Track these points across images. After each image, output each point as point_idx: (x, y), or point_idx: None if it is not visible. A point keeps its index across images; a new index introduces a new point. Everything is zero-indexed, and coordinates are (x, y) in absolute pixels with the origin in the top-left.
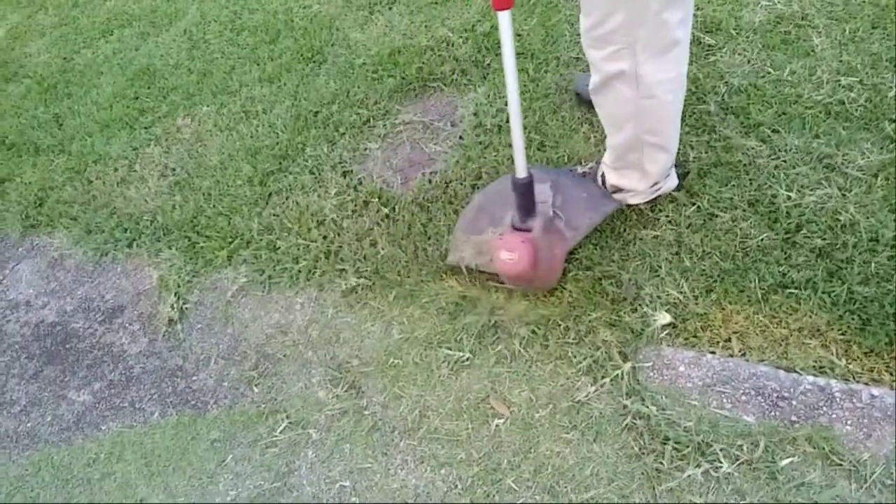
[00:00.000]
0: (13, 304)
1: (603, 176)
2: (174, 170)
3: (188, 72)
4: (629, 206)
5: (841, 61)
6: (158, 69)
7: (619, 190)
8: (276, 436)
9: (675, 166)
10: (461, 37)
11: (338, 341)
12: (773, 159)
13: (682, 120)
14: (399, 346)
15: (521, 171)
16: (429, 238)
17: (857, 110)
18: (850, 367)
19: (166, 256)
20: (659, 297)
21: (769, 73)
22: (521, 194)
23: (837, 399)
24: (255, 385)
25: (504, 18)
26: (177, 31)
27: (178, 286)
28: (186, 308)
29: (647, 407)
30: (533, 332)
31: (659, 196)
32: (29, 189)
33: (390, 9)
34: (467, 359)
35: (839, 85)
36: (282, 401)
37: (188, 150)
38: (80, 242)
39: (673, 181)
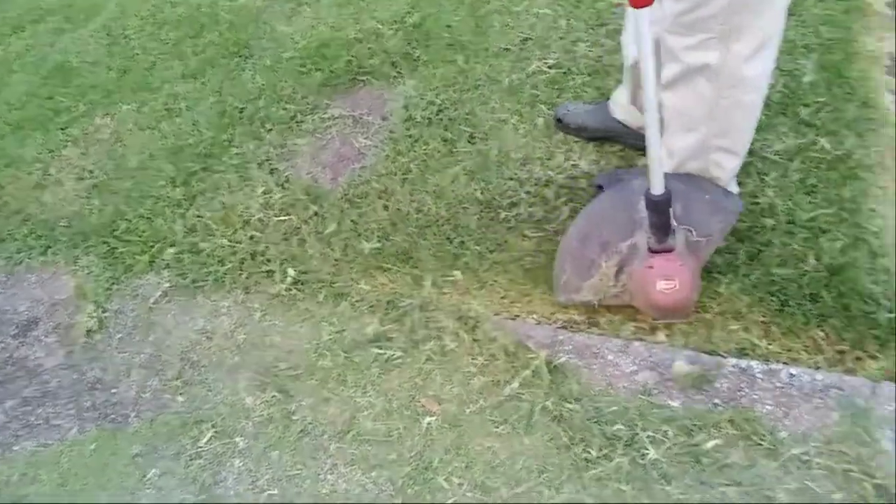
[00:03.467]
0: None
1: None
2: (92, 172)
3: (107, 69)
4: None
5: None
6: (75, 67)
7: None
8: (200, 446)
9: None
10: (391, 28)
11: (265, 345)
12: None
13: None
14: (328, 346)
15: (659, 187)
16: (359, 235)
17: (774, 96)
18: (770, 347)
19: (84, 263)
20: None
21: None
22: (657, 212)
23: (758, 380)
24: (180, 394)
25: (644, 17)
26: (94, 27)
27: (97, 294)
28: (106, 317)
29: (577, 397)
30: (464, 326)
31: None
32: None
33: (318, 0)
34: (398, 357)
35: None
36: (207, 409)
37: (107, 150)
38: None
39: (734, 188)
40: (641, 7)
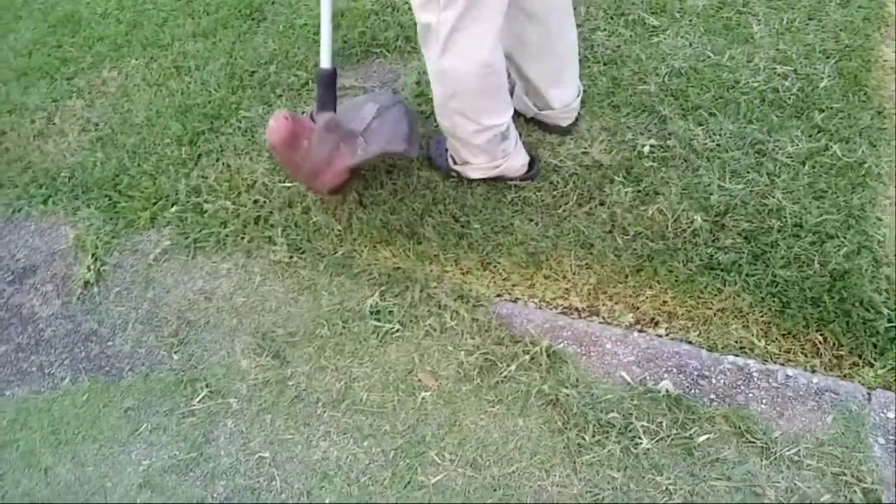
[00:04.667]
0: None
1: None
2: (97, 125)
3: (116, 22)
4: (513, 179)
5: (777, 50)
6: (84, 17)
7: (466, 162)
8: (194, 405)
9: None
10: (406, 2)
11: (264, 309)
12: (708, 142)
13: (624, 100)
14: (327, 316)
15: (325, 63)
16: (364, 207)
17: (789, 98)
18: (769, 348)
19: (84, 215)
20: (589, 276)
21: (709, 57)
22: (321, 86)
23: (755, 379)
24: (175, 352)
25: None
26: None
27: (96, 247)
28: (104, 270)
29: (573, 383)
30: (464, 305)
31: (503, 176)
32: None
33: None
34: (397, 330)
35: (774, 73)
36: (202, 369)
37: (113, 104)
38: None
39: (516, 161)
40: None
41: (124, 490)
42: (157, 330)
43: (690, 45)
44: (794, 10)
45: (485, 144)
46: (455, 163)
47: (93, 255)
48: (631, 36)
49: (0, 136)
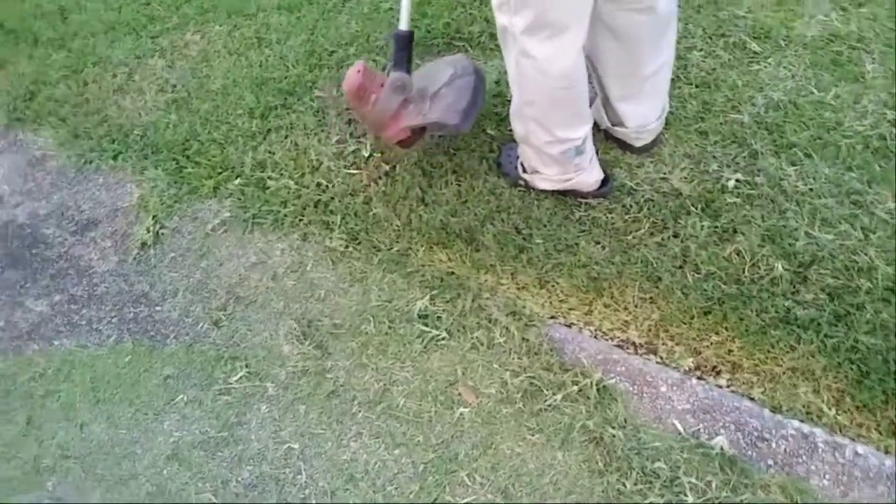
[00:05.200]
0: None
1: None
2: (174, 86)
3: None
4: (584, 196)
5: (890, 93)
6: None
7: (536, 171)
8: (231, 383)
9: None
10: None
11: (312, 296)
12: (799, 185)
13: (713, 127)
14: (374, 312)
15: (404, 25)
16: (426, 205)
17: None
18: (839, 418)
19: (151, 175)
20: (651, 311)
21: (812, 92)
22: (398, 47)
23: (820, 450)
24: (220, 326)
25: None
26: None
27: (158, 209)
28: (162, 233)
29: (621, 423)
30: (516, 322)
31: (574, 190)
32: (21, 80)
33: None
34: (443, 338)
35: (884, 118)
36: (244, 347)
37: (192, 68)
38: (64, 145)
39: (590, 177)
40: None
41: (153, 458)
42: (206, 301)
43: (793, 76)
44: None
45: (558, 155)
46: (525, 171)
47: (153, 217)
48: (729, 60)
49: (82, 87)
